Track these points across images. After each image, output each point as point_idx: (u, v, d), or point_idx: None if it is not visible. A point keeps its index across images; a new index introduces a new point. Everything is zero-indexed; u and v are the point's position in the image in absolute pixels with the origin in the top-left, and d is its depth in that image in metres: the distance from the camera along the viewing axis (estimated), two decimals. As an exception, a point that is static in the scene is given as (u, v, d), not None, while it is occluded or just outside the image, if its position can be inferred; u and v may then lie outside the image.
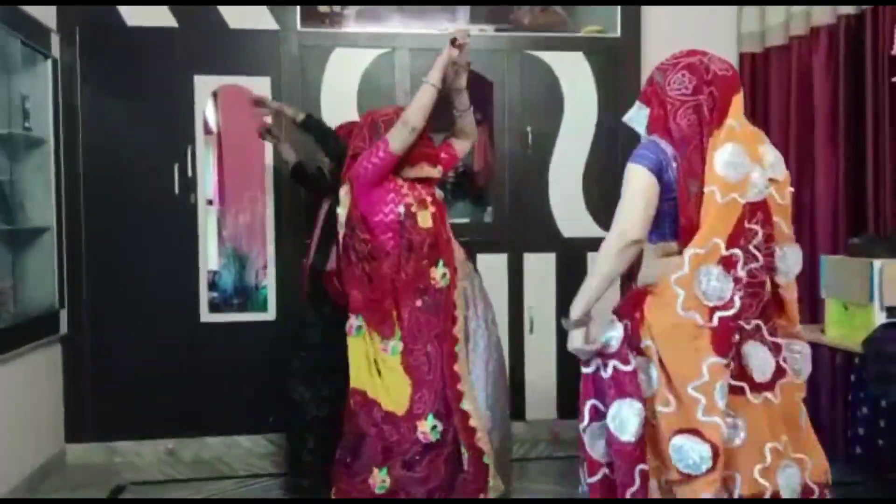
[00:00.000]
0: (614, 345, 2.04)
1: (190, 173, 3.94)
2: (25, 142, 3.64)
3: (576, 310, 2.09)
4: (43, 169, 3.71)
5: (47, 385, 3.79)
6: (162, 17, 3.92)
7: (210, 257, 4.09)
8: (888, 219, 3.41)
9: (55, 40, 3.79)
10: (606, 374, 2.03)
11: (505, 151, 4.13)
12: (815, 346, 3.40)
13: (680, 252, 2.03)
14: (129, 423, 3.92)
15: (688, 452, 1.94)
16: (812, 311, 3.72)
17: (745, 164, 2.00)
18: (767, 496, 1.99)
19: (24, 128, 3.59)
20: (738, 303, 1.96)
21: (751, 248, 2.01)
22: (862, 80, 3.54)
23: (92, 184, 3.90)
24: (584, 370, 2.10)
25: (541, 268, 4.13)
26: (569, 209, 4.15)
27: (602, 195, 4.07)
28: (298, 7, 3.99)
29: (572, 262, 4.06)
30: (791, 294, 2.14)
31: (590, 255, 4.13)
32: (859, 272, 3.05)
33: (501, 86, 4.14)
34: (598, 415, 2.06)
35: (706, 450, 1.92)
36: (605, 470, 2.07)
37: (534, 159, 4.12)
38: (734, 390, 1.99)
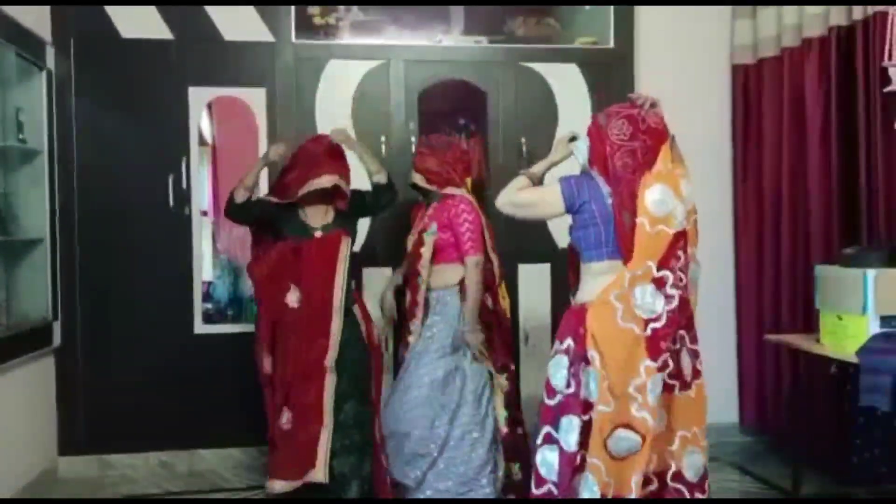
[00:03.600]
0: (565, 375, 2.41)
1: (184, 185, 3.94)
2: (19, 154, 3.64)
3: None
4: (37, 181, 3.71)
5: (40, 397, 3.77)
6: (157, 28, 3.93)
7: (204, 268, 4.08)
8: (881, 228, 3.42)
9: (50, 52, 3.80)
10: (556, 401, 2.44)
11: (499, 162, 4.13)
12: (811, 357, 3.43)
13: (608, 270, 2.41)
14: (122, 436, 3.90)
15: (623, 443, 2.32)
16: (807, 320, 3.72)
17: (670, 201, 2.38)
18: (670, 472, 2.42)
19: (18, 139, 3.58)
20: (665, 317, 2.34)
21: (678, 270, 2.38)
22: (854, 91, 3.56)
23: (86, 195, 3.89)
24: (548, 402, 2.46)
25: (536, 278, 4.13)
26: (563, 219, 4.05)
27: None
28: (293, 18, 4.01)
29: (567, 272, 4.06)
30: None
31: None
32: (853, 282, 3.06)
33: (495, 97, 4.16)
34: (549, 440, 2.43)
35: (637, 438, 2.32)
36: (549, 486, 2.42)
37: (528, 170, 4.12)
38: (667, 387, 2.38)
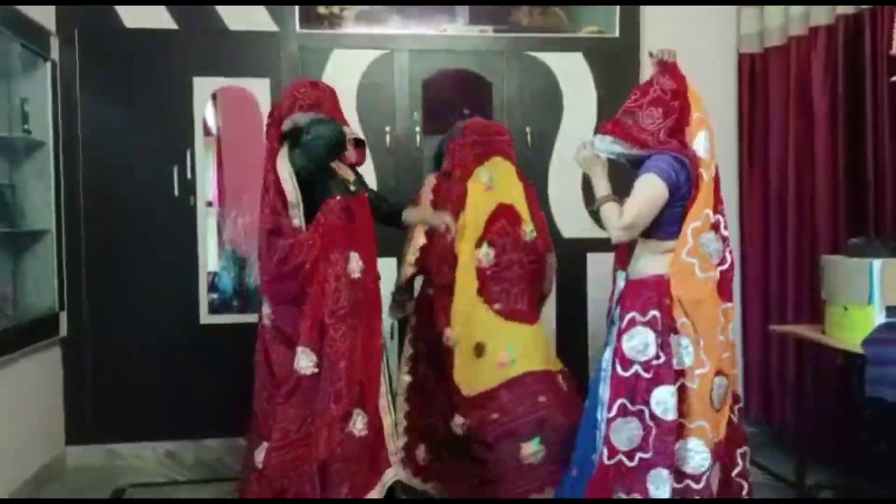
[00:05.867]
0: (652, 350, 2.40)
1: (189, 175, 3.94)
2: (25, 145, 3.64)
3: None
4: (42, 172, 3.72)
5: (47, 388, 3.79)
6: (161, 19, 3.92)
7: (210, 259, 4.09)
8: (888, 218, 3.41)
9: (54, 43, 3.80)
10: (648, 374, 2.40)
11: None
12: (816, 347, 3.42)
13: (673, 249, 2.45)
14: (129, 426, 3.92)
15: (718, 390, 2.44)
16: (812, 311, 3.72)
17: (709, 144, 2.49)
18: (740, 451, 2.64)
19: (23, 130, 3.59)
20: (728, 258, 2.47)
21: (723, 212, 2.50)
22: (861, 80, 3.54)
23: (91, 186, 3.90)
24: (622, 374, 2.44)
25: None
26: (568, 209, 4.14)
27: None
28: (297, 8, 4.00)
29: (572, 262, 4.06)
30: None
31: (590, 255, 4.13)
32: (859, 272, 3.05)
33: (500, 86, 4.14)
34: (624, 412, 2.42)
35: (725, 382, 2.48)
36: (621, 455, 2.42)
37: (533, 160, 4.11)
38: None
